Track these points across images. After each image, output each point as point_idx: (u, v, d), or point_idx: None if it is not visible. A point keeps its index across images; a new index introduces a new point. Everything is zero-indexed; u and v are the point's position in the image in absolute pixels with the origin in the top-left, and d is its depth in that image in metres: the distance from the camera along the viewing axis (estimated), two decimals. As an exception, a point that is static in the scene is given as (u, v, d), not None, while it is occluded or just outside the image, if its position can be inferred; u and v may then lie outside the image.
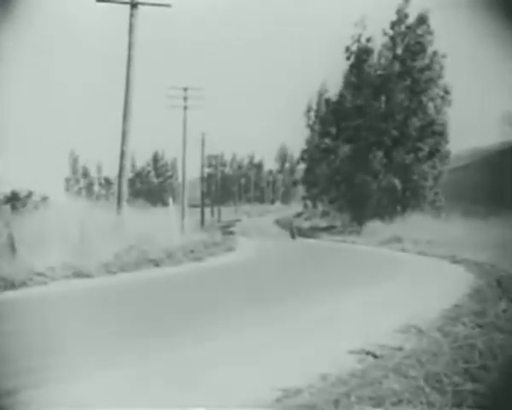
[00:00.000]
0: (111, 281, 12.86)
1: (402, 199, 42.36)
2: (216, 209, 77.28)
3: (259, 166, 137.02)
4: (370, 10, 43.35)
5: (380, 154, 42.39)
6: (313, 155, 54.52)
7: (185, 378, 5.10)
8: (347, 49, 44.69)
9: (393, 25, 43.55)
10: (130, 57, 20.95)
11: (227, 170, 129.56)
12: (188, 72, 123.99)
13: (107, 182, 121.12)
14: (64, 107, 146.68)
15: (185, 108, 41.44)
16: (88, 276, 12.97)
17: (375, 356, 5.69)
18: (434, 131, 42.00)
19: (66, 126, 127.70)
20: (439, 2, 39.64)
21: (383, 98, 43.04)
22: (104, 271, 13.73)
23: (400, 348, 5.90)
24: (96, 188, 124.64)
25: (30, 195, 20.86)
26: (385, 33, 43.95)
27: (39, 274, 11.93)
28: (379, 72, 43.95)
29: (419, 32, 42.54)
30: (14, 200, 19.50)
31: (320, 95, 60.40)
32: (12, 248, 12.94)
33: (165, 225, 21.00)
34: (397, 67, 42.92)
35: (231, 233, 45.06)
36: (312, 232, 46.69)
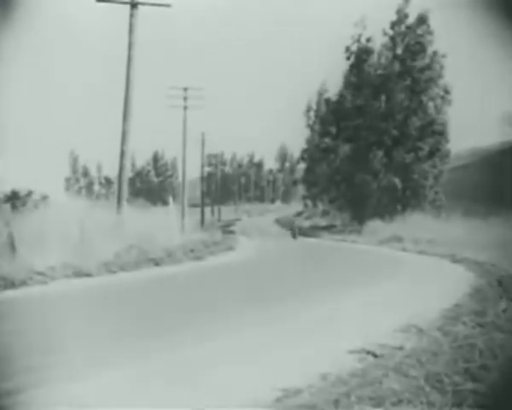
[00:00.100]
0: (111, 280, 12.86)
1: (402, 198, 42.36)
2: (216, 208, 77.29)
3: (259, 166, 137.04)
4: (370, 10, 43.39)
5: (380, 153, 42.40)
6: (313, 154, 54.53)
7: (185, 378, 5.10)
8: (347, 49, 44.71)
9: (393, 25, 43.56)
10: (130, 57, 20.93)
11: (227, 169, 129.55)
12: (188, 72, 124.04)
13: (108, 181, 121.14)
14: (64, 107, 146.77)
15: (185, 107, 41.43)
16: (88, 275, 12.97)
17: (375, 356, 5.69)
18: (434, 131, 42.00)
19: (66, 126, 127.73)
20: (439, 2, 39.64)
21: (383, 98, 43.04)
22: (104, 270, 13.73)
23: (400, 348, 5.90)
24: (96, 187, 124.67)
25: (30, 194, 20.84)
26: (385, 33, 43.97)
27: (39, 273, 11.93)
28: (379, 71, 43.95)
29: (419, 31, 42.54)
30: (14, 199, 19.48)
31: (320, 95, 60.40)
32: (12, 247, 12.94)
33: (166, 224, 20.99)
34: (397, 66, 42.92)
35: (231, 232, 45.05)
36: (312, 231, 46.68)
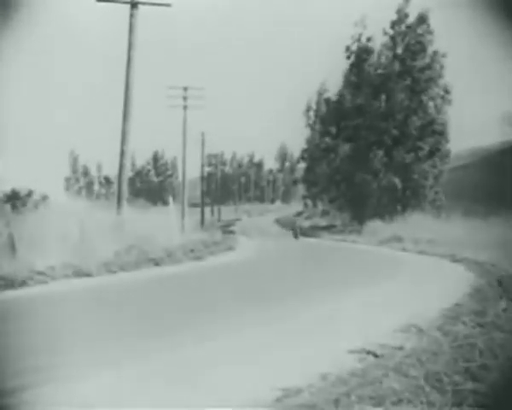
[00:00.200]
0: (111, 280, 12.86)
1: (402, 198, 42.37)
2: (216, 208, 77.32)
3: (259, 166, 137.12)
4: (370, 10, 43.42)
5: (380, 153, 42.41)
6: (313, 154, 54.56)
7: (185, 378, 5.10)
8: (347, 48, 44.75)
9: (393, 24, 43.58)
10: (130, 57, 20.94)
11: (227, 169, 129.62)
12: (188, 72, 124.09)
13: (107, 181, 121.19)
14: (64, 107, 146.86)
15: (185, 107, 41.45)
16: (88, 275, 12.97)
17: (375, 355, 5.69)
18: (435, 131, 42.02)
19: (66, 126, 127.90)
20: (439, 2, 39.69)
21: (383, 97, 43.05)
22: (104, 270, 13.73)
23: (400, 348, 5.90)
24: (96, 187, 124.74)
25: (30, 193, 20.81)
26: (385, 33, 44.00)
27: (39, 273, 11.93)
28: (379, 71, 43.97)
29: (419, 31, 42.57)
30: (14, 199, 19.46)
31: (320, 94, 60.42)
32: (12, 247, 12.94)
33: (166, 224, 21.00)
34: (397, 66, 42.93)
35: (231, 232, 45.08)
36: (313, 231, 46.72)
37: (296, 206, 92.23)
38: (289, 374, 5.08)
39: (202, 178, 60.61)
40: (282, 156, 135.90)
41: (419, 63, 42.33)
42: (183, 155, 41.73)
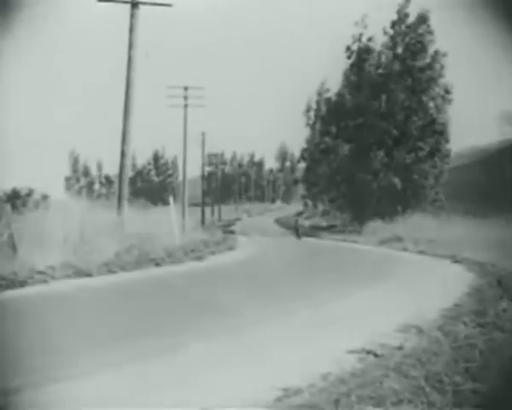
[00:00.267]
0: (111, 280, 12.85)
1: (402, 198, 42.33)
2: (216, 208, 77.31)
3: (260, 165, 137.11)
4: (371, 10, 43.42)
5: (380, 153, 42.38)
6: (313, 154, 54.52)
7: (185, 378, 5.10)
8: (348, 48, 44.72)
9: (394, 24, 43.56)
10: (130, 57, 20.93)
11: (227, 168, 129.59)
12: (188, 72, 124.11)
13: (108, 181, 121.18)
14: (64, 106, 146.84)
15: (185, 106, 41.46)
16: (88, 275, 12.96)
17: (375, 355, 5.70)
18: (435, 131, 42.00)
19: (67, 126, 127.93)
20: (439, 2, 39.64)
21: (384, 97, 43.02)
22: (105, 270, 13.72)
23: (401, 348, 5.90)
24: (97, 187, 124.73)
25: (30, 193, 20.82)
26: (385, 33, 43.98)
27: (40, 273, 11.93)
28: (379, 71, 43.95)
29: (419, 31, 42.55)
30: (14, 198, 19.46)
31: (320, 94, 60.39)
32: (12, 247, 12.94)
33: (166, 224, 21.00)
34: (397, 66, 42.91)
35: (232, 232, 45.08)
36: (313, 231, 46.69)
37: (296, 206, 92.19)
38: (289, 374, 5.08)
39: (203, 177, 60.62)
40: (283, 156, 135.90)
41: (419, 63, 42.31)
42: (184, 154, 41.74)
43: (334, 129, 46.68)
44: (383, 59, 44.16)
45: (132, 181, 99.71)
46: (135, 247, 16.59)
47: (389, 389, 4.48)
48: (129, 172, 21.48)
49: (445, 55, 42.14)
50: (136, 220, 19.26)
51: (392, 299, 9.90)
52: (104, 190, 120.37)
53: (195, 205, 63.99)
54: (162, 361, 5.64)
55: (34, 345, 6.27)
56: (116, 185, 26.06)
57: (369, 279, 13.08)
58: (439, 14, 42.41)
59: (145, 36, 22.11)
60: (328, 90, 53.94)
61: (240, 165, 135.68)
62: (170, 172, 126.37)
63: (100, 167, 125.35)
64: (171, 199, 23.42)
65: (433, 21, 42.45)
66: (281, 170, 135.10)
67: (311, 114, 62.75)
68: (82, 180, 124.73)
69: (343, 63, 45.40)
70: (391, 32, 43.76)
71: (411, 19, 43.11)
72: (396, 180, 41.90)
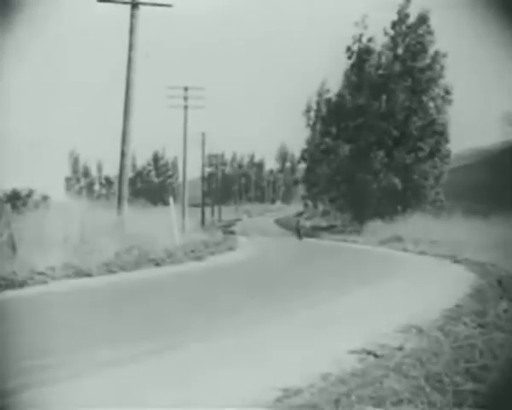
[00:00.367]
0: (112, 280, 12.85)
1: (403, 199, 42.33)
2: (216, 209, 77.33)
3: (260, 166, 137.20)
4: (371, 10, 43.43)
5: (380, 153, 42.39)
6: (313, 154, 54.52)
7: (185, 378, 5.09)
8: (348, 48, 44.72)
9: (394, 25, 43.56)
10: (130, 57, 20.92)
11: (227, 169, 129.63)
12: (188, 72, 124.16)
13: (108, 181, 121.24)
14: (64, 107, 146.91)
15: (185, 107, 41.44)
16: (88, 275, 12.96)
17: (375, 356, 5.69)
18: (435, 131, 42.01)
19: (67, 126, 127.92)
20: (439, 2, 39.67)
21: (384, 98, 43.03)
22: (105, 270, 13.72)
23: (401, 348, 5.89)
24: (97, 187, 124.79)
25: (31, 194, 20.82)
26: (385, 33, 43.98)
27: (40, 273, 11.92)
28: (380, 71, 43.96)
29: (419, 31, 42.56)
30: (14, 198, 19.46)
31: (320, 95, 60.40)
32: (12, 247, 12.94)
33: (166, 224, 20.99)
34: (397, 66, 42.92)
35: (232, 233, 45.09)
36: (313, 232, 46.69)
37: (297, 206, 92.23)
38: (290, 374, 5.08)
39: (203, 178, 60.61)
40: (283, 156, 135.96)
41: (419, 64, 42.32)
42: (184, 155, 41.71)
43: (334, 129, 46.69)
44: (383, 59, 44.16)
45: (132, 182, 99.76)
46: (135, 247, 16.59)
47: (389, 390, 4.47)
48: (129, 173, 21.46)
49: (445, 55, 42.17)
50: (136, 221, 19.25)
51: (392, 299, 9.90)
52: (104, 191, 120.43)
53: (195, 206, 64.00)
54: (162, 361, 5.63)
55: (34, 345, 6.26)
56: (116, 186, 26.03)
57: (369, 280, 13.07)
58: (440, 14, 42.47)
59: (145, 36, 22.10)
60: (328, 90, 53.99)
61: (240, 166, 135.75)
62: (170, 172, 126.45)
63: (100, 168, 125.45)
64: (171, 199, 23.41)
65: (434, 21, 42.52)
66: (281, 171, 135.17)
67: (312, 114, 62.77)
68: (82, 181, 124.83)
69: (343, 64, 45.47)
70: (391, 32, 43.78)
71: (412, 19, 43.13)
72: (396, 180, 41.91)
